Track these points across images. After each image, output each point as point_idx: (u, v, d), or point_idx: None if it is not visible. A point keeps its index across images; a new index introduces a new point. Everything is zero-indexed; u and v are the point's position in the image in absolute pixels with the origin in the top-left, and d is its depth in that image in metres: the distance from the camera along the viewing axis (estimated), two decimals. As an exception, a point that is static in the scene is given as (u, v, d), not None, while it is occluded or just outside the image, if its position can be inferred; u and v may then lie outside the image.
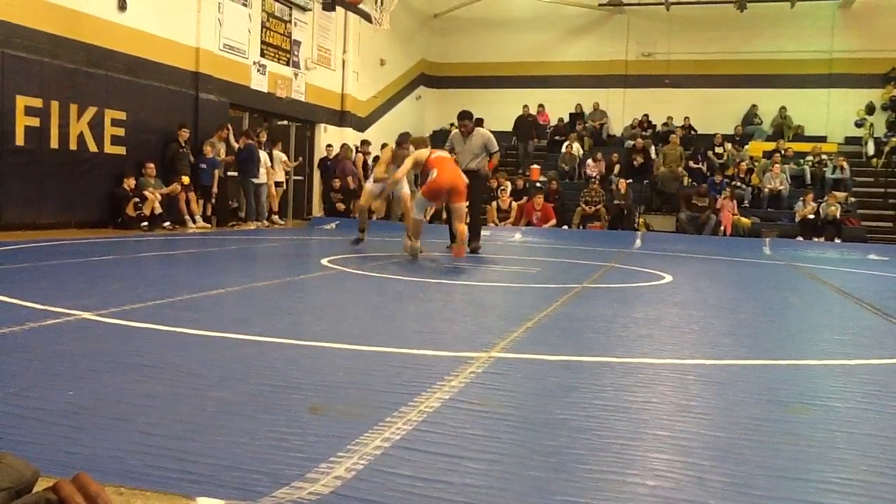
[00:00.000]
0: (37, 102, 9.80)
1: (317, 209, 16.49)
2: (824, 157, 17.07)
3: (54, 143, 10.09)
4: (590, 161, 17.52)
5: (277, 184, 14.37)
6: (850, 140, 18.75)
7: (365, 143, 17.21)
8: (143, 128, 11.51)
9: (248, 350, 3.18)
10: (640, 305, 5.39)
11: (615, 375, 3.03)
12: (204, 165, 12.27)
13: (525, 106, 19.53)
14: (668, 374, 3.08)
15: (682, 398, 2.70)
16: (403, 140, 8.84)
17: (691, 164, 17.11)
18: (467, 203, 8.93)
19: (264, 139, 14.44)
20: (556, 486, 1.77)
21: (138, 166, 11.26)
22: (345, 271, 6.57)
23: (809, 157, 17.12)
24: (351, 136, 17.35)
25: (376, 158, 14.53)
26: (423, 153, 8.30)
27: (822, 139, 18.67)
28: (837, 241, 13.77)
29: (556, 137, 19.71)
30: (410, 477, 1.76)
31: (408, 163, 8.33)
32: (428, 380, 2.66)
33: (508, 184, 15.66)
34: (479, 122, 11.10)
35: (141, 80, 11.48)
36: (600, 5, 20.41)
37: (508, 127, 20.57)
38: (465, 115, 9.58)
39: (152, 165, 11.36)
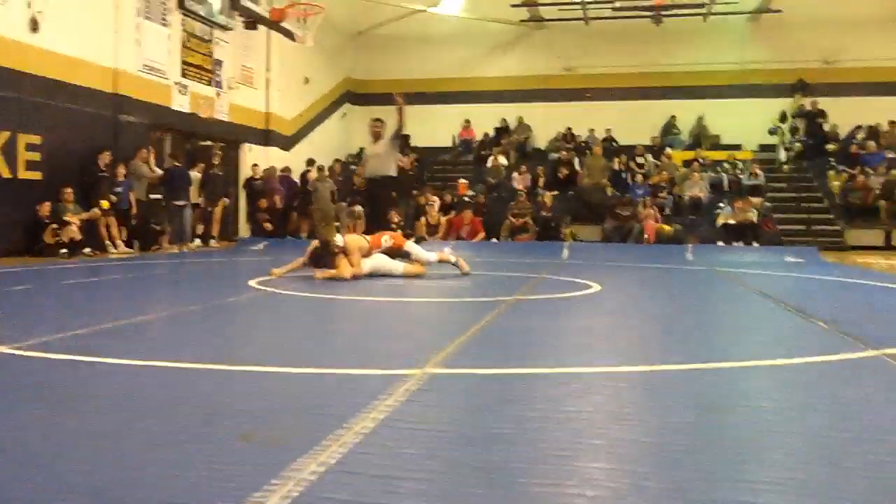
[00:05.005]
0: (-56, 128, 9.41)
1: (243, 230, 16.22)
2: (739, 164, 17.68)
3: (-36, 170, 9.71)
4: (515, 174, 17.73)
5: (195, 206, 13.96)
6: (764, 147, 19.49)
7: (311, 161, 17.06)
8: (60, 152, 11.13)
9: (175, 378, 3.09)
10: (571, 315, 5.45)
11: (549, 386, 3.05)
12: (119, 189, 11.93)
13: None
14: (600, 383, 3.12)
15: (616, 406, 2.73)
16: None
17: (616, 169, 17.48)
18: None
19: (217, 162, 14.21)
20: (495, 501, 1.77)
21: (56, 192, 10.89)
22: (274, 292, 6.46)
23: (726, 165, 17.70)
24: (276, 155, 17.16)
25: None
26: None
27: (738, 147, 19.34)
28: (755, 244, 14.22)
29: (483, 152, 19.90)
30: (348, 501, 1.73)
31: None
32: (362, 400, 2.62)
33: (437, 199, 15.71)
34: None
35: (57, 103, 11.12)
36: (521, 21, 20.73)
37: (435, 142, 20.72)
38: None
39: (70, 191, 11.00)
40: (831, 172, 17.61)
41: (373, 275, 7.57)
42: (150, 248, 12.56)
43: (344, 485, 1.82)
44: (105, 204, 11.49)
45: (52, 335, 3.92)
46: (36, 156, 10.77)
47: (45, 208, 10.59)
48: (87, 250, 10.93)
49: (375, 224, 9.20)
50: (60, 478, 1.87)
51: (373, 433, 2.26)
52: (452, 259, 8.25)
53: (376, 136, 9.85)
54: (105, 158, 11.66)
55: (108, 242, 11.60)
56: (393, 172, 9.86)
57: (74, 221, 10.80)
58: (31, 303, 5.82)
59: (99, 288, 7.25)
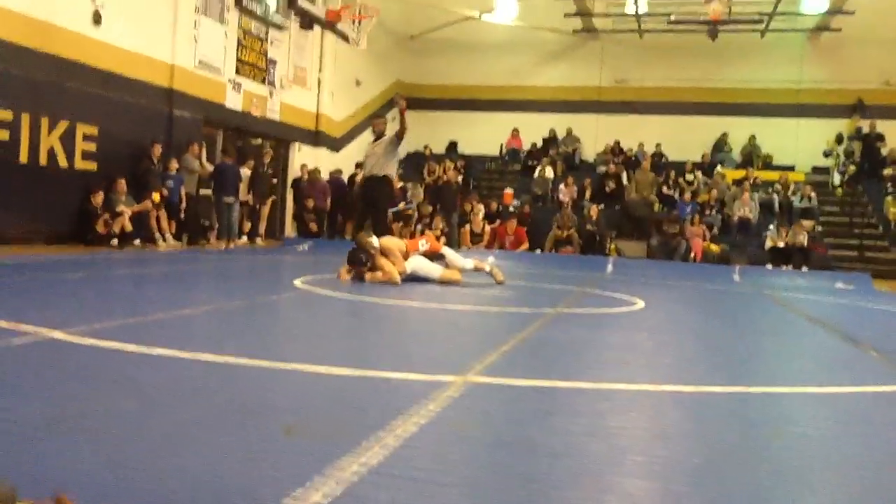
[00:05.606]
0: (6, 115, 9.65)
1: (289, 229, 16.39)
2: (791, 185, 17.34)
3: (24, 157, 9.94)
4: (562, 186, 17.64)
5: (243, 203, 14.10)
6: (817, 170, 19.10)
7: (359, 164, 17.19)
8: (114, 143, 11.37)
9: (219, 371, 3.13)
10: (614, 331, 5.40)
11: (591, 401, 3.02)
12: (170, 182, 12.14)
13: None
14: (643, 400, 3.09)
15: (658, 424, 2.70)
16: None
17: (664, 189, 17.29)
18: None
19: (268, 160, 14.43)
20: (535, 512, 1.76)
21: (109, 182, 11.12)
22: (318, 293, 6.52)
23: (778, 186, 17.39)
24: (325, 156, 17.32)
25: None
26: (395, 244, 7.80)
27: (791, 168, 18.98)
28: (805, 268, 13.95)
29: (530, 162, 19.85)
30: (388, 503, 1.73)
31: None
32: (404, 403, 2.62)
33: (482, 207, 15.72)
34: None
35: (114, 95, 11.37)
36: (575, 31, 20.65)
37: (482, 150, 20.73)
38: None
39: (123, 182, 11.22)
40: (889, 198, 17.15)
41: (412, 277, 7.60)
42: (197, 242, 12.76)
43: (385, 487, 1.83)
44: (156, 197, 11.70)
45: (101, 323, 4.00)
46: (92, 146, 11.01)
47: (99, 198, 10.82)
48: (136, 242, 11.15)
49: (370, 224, 8.97)
50: (106, 457, 1.90)
51: (414, 437, 2.26)
52: (487, 268, 8.25)
53: (378, 135, 9.66)
54: (157, 151, 11.87)
55: (157, 235, 11.81)
56: (390, 173, 9.58)
57: (126, 212, 11.02)
58: (83, 290, 5.95)
59: (147, 280, 7.39)
